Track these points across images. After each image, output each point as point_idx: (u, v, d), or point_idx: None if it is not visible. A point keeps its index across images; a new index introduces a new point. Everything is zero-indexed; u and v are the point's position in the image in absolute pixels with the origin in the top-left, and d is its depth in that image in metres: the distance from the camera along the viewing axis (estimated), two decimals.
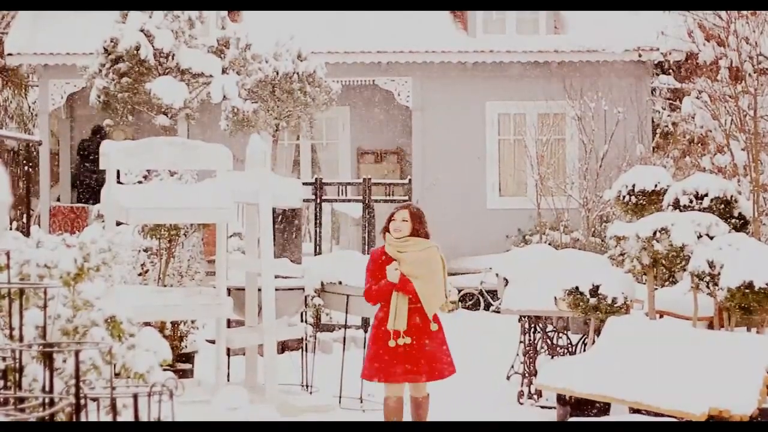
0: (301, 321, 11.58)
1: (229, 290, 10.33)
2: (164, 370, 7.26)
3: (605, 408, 9.36)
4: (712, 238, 9.62)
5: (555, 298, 10.52)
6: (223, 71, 15.52)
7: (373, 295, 7.97)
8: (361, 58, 19.54)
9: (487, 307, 18.38)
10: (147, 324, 8.86)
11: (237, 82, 15.56)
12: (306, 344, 11.21)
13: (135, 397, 5.72)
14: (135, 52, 14.64)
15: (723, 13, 10.68)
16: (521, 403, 10.75)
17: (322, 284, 11.15)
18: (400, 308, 7.82)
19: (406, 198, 16.79)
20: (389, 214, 8.05)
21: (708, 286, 9.09)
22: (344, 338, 11.02)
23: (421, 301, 7.85)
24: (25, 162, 10.26)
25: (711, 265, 9.03)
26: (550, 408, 10.25)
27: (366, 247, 17.16)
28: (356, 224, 19.01)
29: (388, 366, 7.90)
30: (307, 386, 10.96)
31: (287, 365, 11.53)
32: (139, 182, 10.44)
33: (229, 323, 10.85)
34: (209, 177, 10.35)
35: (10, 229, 8.56)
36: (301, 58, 16.18)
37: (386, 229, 8.04)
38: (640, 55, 18.92)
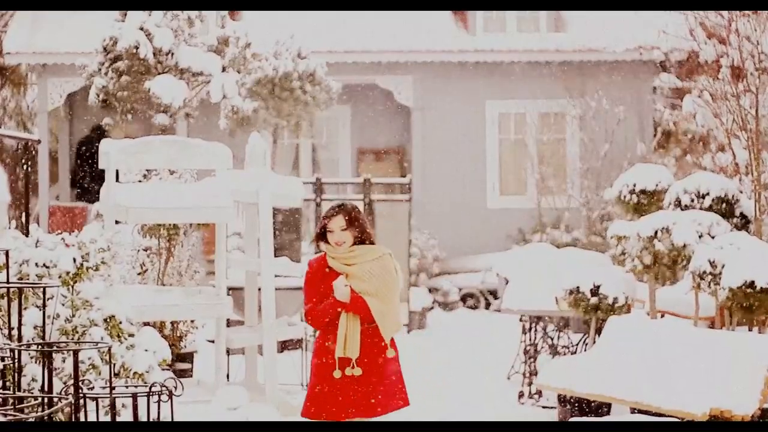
0: (301, 320, 11.55)
1: (228, 290, 10.30)
2: (163, 369, 7.22)
3: (606, 408, 9.33)
4: (713, 237, 9.60)
5: (556, 297, 10.50)
6: (223, 70, 15.48)
7: (316, 316, 6.44)
8: (362, 57, 19.51)
9: (488, 306, 18.36)
10: (146, 324, 8.84)
11: (237, 81, 15.52)
12: (306, 343, 11.18)
13: (134, 396, 5.69)
14: (134, 50, 14.61)
15: (724, 12, 10.65)
16: (522, 403, 10.72)
17: None
18: (351, 332, 6.38)
19: (407, 198, 16.74)
20: (321, 220, 6.51)
21: (709, 286, 9.06)
22: None
23: (378, 324, 6.37)
24: (24, 161, 10.25)
25: (712, 264, 9.00)
26: (550, 408, 10.23)
27: None
28: None
29: (333, 400, 6.42)
30: (306, 385, 10.93)
31: (287, 365, 11.50)
32: (139, 181, 10.40)
33: (228, 323, 10.82)
34: (208, 176, 10.33)
35: (9, 228, 8.53)
36: (301, 57, 16.15)
37: (320, 237, 6.49)
38: (640, 54, 18.88)
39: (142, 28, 14.74)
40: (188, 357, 11.19)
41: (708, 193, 10.12)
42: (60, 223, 18.00)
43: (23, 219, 9.99)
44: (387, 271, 6.44)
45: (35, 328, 6.32)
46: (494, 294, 18.20)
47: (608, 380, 8.86)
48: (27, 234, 9.06)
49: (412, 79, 19.81)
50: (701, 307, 9.63)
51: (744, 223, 10.17)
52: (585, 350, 10.85)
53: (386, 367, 6.46)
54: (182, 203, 9.39)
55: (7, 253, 6.15)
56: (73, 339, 6.54)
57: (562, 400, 9.44)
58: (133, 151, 9.45)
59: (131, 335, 6.81)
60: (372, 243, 6.48)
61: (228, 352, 10.67)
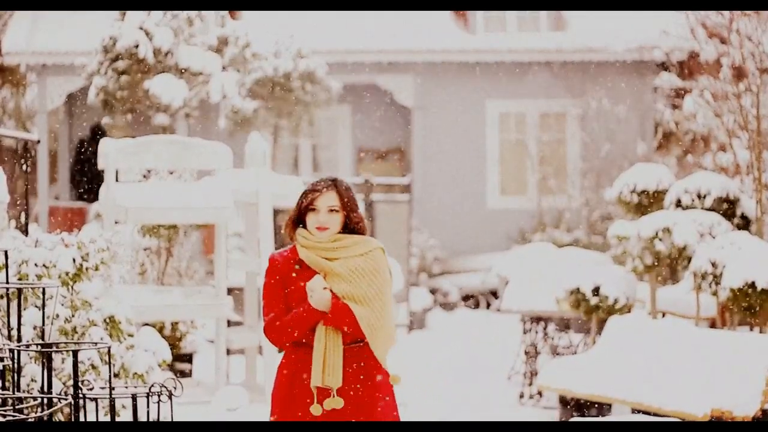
0: None
1: (228, 290, 10.28)
2: (163, 370, 7.20)
3: (607, 408, 9.32)
4: (714, 237, 9.58)
5: (556, 298, 10.48)
6: (223, 69, 15.47)
7: (281, 331, 4.77)
8: (362, 57, 19.49)
9: (488, 306, 18.35)
10: (146, 324, 8.83)
11: (237, 80, 15.51)
12: None
13: (134, 397, 5.68)
14: (134, 50, 14.60)
15: (725, 11, 10.64)
16: (522, 404, 10.70)
17: None
18: (332, 353, 4.76)
19: (407, 198, 16.71)
20: (302, 196, 4.89)
21: (710, 286, 9.04)
22: None
23: (369, 340, 4.77)
24: (23, 161, 10.20)
25: (713, 264, 8.99)
26: (551, 408, 10.21)
27: None
28: None
29: None
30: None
31: None
32: (138, 181, 10.39)
33: (228, 323, 10.80)
34: (208, 175, 10.32)
35: (9, 228, 8.51)
36: (301, 57, 16.14)
37: (294, 222, 4.88)
38: (641, 54, 18.86)
39: (141, 28, 14.72)
40: (188, 357, 11.18)
41: (709, 193, 10.10)
42: (59, 223, 17.98)
43: (22, 219, 9.97)
44: (379, 271, 4.82)
45: (35, 328, 6.31)
46: (495, 294, 18.19)
47: (609, 381, 8.85)
48: (26, 234, 9.05)
49: (412, 79, 19.79)
50: (702, 307, 9.61)
51: (745, 223, 10.16)
52: (586, 350, 10.84)
53: (380, 398, 4.87)
54: (182, 203, 9.37)
55: (6, 253, 6.13)
56: (72, 339, 6.52)
57: (563, 400, 9.42)
58: (133, 151, 9.44)
59: (131, 336, 6.79)
60: (362, 232, 4.88)
61: (228, 352, 10.65)
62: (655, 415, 8.19)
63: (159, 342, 7.06)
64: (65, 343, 6.14)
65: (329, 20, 19.47)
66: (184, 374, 10.68)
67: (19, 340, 6.06)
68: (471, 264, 19.03)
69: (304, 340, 4.81)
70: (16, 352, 5.52)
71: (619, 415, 9.16)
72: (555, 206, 19.05)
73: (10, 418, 4.85)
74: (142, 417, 5.79)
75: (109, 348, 5.58)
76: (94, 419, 5.88)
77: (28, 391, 6.09)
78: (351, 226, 4.86)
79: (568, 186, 19.22)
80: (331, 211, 4.81)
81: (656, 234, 9.66)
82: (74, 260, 6.63)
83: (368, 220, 16.74)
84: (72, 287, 6.65)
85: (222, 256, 9.64)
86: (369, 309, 4.76)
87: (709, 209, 10.03)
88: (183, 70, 15.00)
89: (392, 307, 4.90)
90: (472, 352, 13.66)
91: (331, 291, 4.75)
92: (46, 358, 5.52)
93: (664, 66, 18.70)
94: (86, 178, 20.00)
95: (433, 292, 18.17)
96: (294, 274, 4.81)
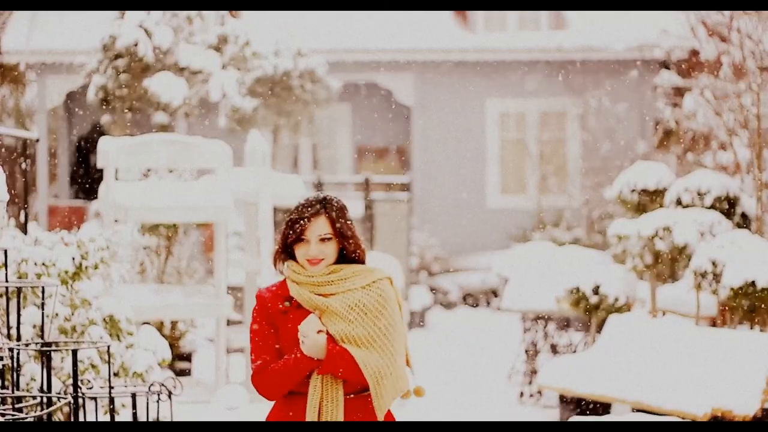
0: None
1: (228, 289, 10.27)
2: (163, 369, 7.19)
3: (607, 407, 9.31)
4: (714, 236, 9.57)
5: (556, 297, 10.48)
6: (223, 68, 15.46)
7: (270, 381, 4.03)
8: (362, 56, 19.49)
9: (488, 305, 18.35)
10: (145, 323, 8.82)
11: (236, 79, 15.50)
12: None
13: (134, 396, 5.67)
14: (133, 48, 14.59)
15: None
16: (522, 403, 10.70)
17: None
18: (329, 404, 4.02)
19: (407, 197, 16.68)
20: (288, 225, 4.10)
21: (710, 285, 9.04)
22: None
23: (372, 390, 4.01)
24: (23, 159, 10.20)
25: (713, 263, 8.98)
26: (551, 408, 10.20)
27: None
28: (357, 223, 18.93)
29: None
30: None
31: None
32: (138, 180, 10.38)
33: (228, 322, 10.79)
34: (207, 174, 10.31)
35: (8, 226, 8.50)
36: (301, 55, 16.12)
37: (282, 253, 4.13)
38: (642, 52, 18.84)
39: (141, 26, 14.71)
40: (187, 356, 11.18)
41: (709, 192, 10.09)
42: (59, 222, 17.97)
43: (22, 217, 9.96)
44: (385, 306, 4.06)
45: (34, 327, 6.30)
46: (495, 293, 18.19)
47: (609, 380, 8.84)
48: (26, 232, 9.04)
49: (413, 77, 19.78)
50: (702, 306, 9.61)
51: (745, 222, 10.15)
52: (586, 349, 10.83)
53: None
54: (181, 202, 9.37)
55: (5, 252, 6.12)
56: (72, 338, 6.52)
57: (563, 399, 9.41)
58: (132, 150, 9.43)
59: (131, 334, 6.78)
60: (362, 261, 4.13)
61: (228, 351, 10.65)
62: (655, 414, 8.18)
63: (159, 341, 7.05)
64: (65, 342, 6.13)
65: (329, 20, 19.47)
66: (183, 373, 10.67)
67: (19, 339, 6.05)
68: (471, 263, 19.03)
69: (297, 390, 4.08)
70: (15, 351, 5.51)
71: (619, 414, 9.15)
72: (555, 205, 19.05)
73: (10, 417, 4.84)
74: (141, 416, 5.79)
75: (109, 347, 5.57)
76: (94, 418, 5.87)
77: (27, 390, 6.08)
78: (348, 255, 4.09)
79: (568, 185, 19.22)
80: (322, 239, 4.04)
81: (656, 233, 9.65)
82: (74, 259, 6.62)
83: (368, 219, 16.72)
84: (71, 286, 6.64)
85: (222, 255, 9.63)
86: (374, 353, 4.00)
87: (710, 208, 10.02)
88: (183, 69, 14.99)
89: (403, 349, 4.11)
90: (472, 352, 13.66)
91: (327, 333, 4.00)
92: (45, 357, 5.52)
93: (664, 64, 18.69)
94: (86, 177, 20.00)
95: (433, 290, 18.17)
96: (284, 313, 4.06)
